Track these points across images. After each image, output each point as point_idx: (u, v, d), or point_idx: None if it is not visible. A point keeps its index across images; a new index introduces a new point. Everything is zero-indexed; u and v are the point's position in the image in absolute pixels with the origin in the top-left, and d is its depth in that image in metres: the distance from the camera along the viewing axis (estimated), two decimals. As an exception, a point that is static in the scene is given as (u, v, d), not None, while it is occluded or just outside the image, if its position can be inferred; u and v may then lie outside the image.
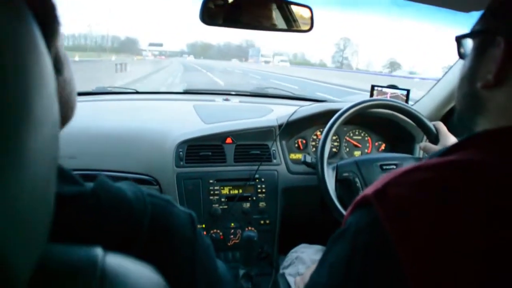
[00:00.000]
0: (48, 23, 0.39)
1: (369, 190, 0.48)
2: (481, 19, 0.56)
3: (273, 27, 1.26)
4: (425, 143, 1.31)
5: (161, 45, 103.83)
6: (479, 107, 0.54)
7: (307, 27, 1.25)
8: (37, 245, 0.27)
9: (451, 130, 1.31)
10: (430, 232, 0.42)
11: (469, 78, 0.56)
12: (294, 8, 1.26)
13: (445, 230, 0.42)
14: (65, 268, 0.31)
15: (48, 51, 0.28)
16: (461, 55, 0.60)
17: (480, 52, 0.54)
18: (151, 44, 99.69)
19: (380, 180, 0.49)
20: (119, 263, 0.33)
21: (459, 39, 0.60)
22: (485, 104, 0.53)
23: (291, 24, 1.27)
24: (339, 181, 1.35)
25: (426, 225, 0.42)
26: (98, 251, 0.32)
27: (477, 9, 1.03)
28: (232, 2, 1.20)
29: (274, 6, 1.25)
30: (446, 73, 1.71)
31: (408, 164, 1.36)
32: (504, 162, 0.46)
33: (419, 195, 0.45)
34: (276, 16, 1.27)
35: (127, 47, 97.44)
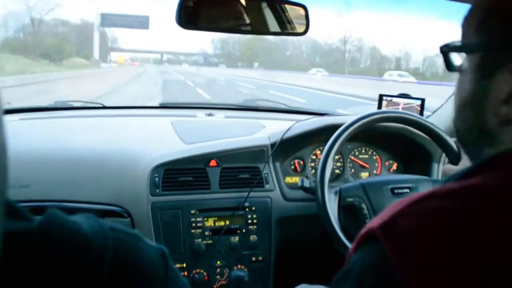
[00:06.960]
0: None
1: (375, 222, 0.47)
2: (478, 27, 0.50)
3: (264, 31, 1.21)
4: (447, 166, 1.22)
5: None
6: (489, 141, 0.50)
7: (302, 29, 1.18)
8: None
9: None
10: (446, 269, 0.41)
11: (474, 106, 0.51)
12: (288, 8, 1.17)
13: (462, 265, 0.41)
14: None
15: None
16: (452, 69, 0.55)
17: (486, 74, 0.49)
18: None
19: (387, 209, 0.48)
20: None
21: (446, 52, 0.55)
22: (498, 138, 0.49)
23: (285, 27, 1.20)
24: (343, 207, 1.26)
25: (441, 261, 0.41)
26: None
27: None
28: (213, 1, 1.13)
29: (265, 6, 1.17)
30: None
31: (425, 188, 1.33)
32: None
33: (433, 227, 0.43)
34: (269, 18, 1.19)
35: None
